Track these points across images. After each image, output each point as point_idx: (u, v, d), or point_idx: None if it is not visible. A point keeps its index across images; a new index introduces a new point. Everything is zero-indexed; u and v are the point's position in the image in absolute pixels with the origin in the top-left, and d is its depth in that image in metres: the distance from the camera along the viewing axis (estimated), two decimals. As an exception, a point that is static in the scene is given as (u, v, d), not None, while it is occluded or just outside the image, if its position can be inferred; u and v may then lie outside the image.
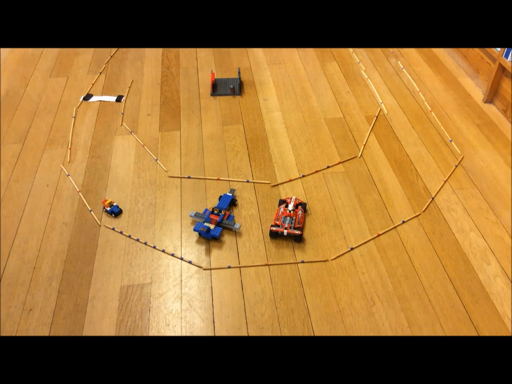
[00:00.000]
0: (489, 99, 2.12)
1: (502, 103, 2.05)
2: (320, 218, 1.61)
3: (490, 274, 1.43)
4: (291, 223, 1.54)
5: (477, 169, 1.78)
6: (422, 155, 1.85)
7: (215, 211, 1.59)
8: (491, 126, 1.99)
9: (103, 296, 1.38)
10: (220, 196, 1.65)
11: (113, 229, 1.57)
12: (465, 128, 1.97)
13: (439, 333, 1.28)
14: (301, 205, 1.61)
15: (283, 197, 1.67)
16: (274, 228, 1.52)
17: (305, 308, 1.35)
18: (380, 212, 1.62)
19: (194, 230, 1.53)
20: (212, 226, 1.54)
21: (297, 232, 1.52)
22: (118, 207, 1.61)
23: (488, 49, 2.09)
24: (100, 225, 1.59)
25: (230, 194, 1.65)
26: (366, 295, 1.38)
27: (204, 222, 1.56)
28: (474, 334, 1.28)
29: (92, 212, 1.63)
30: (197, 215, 1.58)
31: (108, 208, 1.60)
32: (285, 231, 1.52)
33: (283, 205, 1.60)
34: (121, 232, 1.56)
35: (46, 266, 1.46)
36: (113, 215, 1.60)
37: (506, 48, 1.95)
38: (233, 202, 1.65)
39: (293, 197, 1.62)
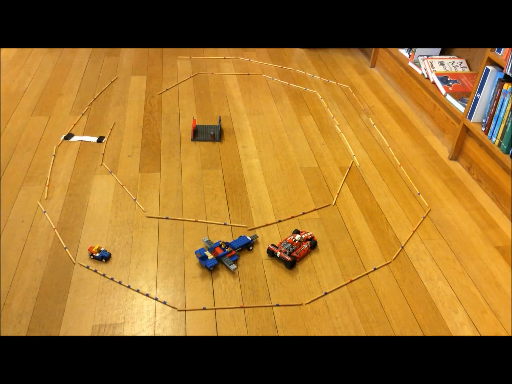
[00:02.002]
0: (454, 157, 2.26)
1: (466, 160, 2.20)
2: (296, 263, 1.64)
3: (457, 322, 1.48)
4: (289, 250, 1.61)
5: (444, 221, 1.87)
6: (392, 206, 1.93)
7: (222, 246, 1.62)
8: (456, 182, 2.11)
9: (74, 335, 1.35)
10: (240, 236, 1.69)
11: (88, 267, 1.56)
12: (432, 182, 2.09)
13: (410, 379, 1.31)
14: (310, 241, 1.68)
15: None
16: (271, 247, 1.64)
17: (279, 352, 1.35)
18: (352, 259, 1.67)
19: (195, 252, 1.61)
20: (210, 257, 1.58)
21: (288, 258, 1.58)
22: (106, 251, 1.59)
23: (453, 111, 2.25)
24: (74, 263, 1.58)
25: (249, 238, 1.67)
26: (339, 339, 1.40)
27: (207, 250, 1.60)
28: None
29: (67, 249, 1.62)
30: (208, 242, 1.65)
31: (97, 254, 1.57)
32: (278, 253, 1.61)
33: (294, 235, 1.69)
34: (95, 271, 1.55)
35: (17, 302, 1.43)
36: (103, 260, 1.57)
37: (469, 110, 2.11)
38: (247, 246, 1.66)
39: (309, 232, 1.72)
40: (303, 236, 1.68)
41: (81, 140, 2.19)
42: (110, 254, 1.59)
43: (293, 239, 1.66)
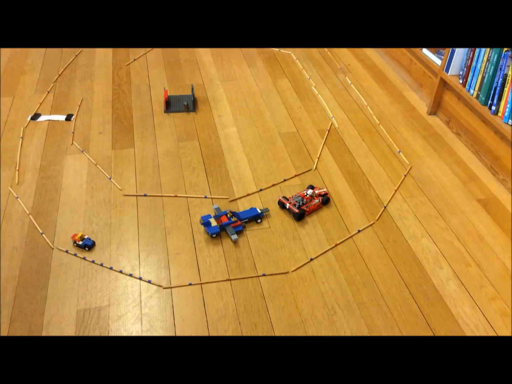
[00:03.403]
0: (433, 111, 2.23)
1: (445, 114, 2.17)
2: (279, 231, 1.62)
3: (443, 277, 1.49)
4: (298, 203, 1.63)
5: (425, 178, 1.87)
6: (373, 166, 1.91)
7: (229, 215, 1.61)
8: (435, 137, 2.09)
9: (59, 322, 1.32)
10: (250, 208, 1.67)
11: (67, 251, 1.52)
12: (412, 139, 2.07)
13: (399, 337, 1.32)
14: (323, 197, 1.70)
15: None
16: (282, 199, 1.67)
17: (268, 321, 1.35)
18: (336, 223, 1.66)
19: (201, 217, 1.61)
20: (213, 224, 1.57)
21: (295, 210, 1.61)
22: (90, 239, 1.54)
23: (430, 64, 2.21)
24: (52, 248, 1.53)
25: (259, 211, 1.64)
26: (327, 304, 1.40)
27: (213, 216, 1.60)
28: (430, 336, 1.33)
29: (43, 234, 1.57)
30: (217, 209, 1.64)
31: (80, 242, 1.51)
32: (287, 205, 1.65)
33: (308, 190, 1.72)
34: (75, 254, 1.51)
35: (-5, 293, 1.39)
36: (86, 248, 1.52)
37: (446, 63, 2.07)
38: (255, 218, 1.64)
39: (323, 188, 1.75)
40: (317, 191, 1.70)
41: (49, 120, 2.09)
42: (94, 242, 1.54)
43: (305, 194, 1.69)
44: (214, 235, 1.57)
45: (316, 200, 1.68)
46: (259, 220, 1.65)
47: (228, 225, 1.59)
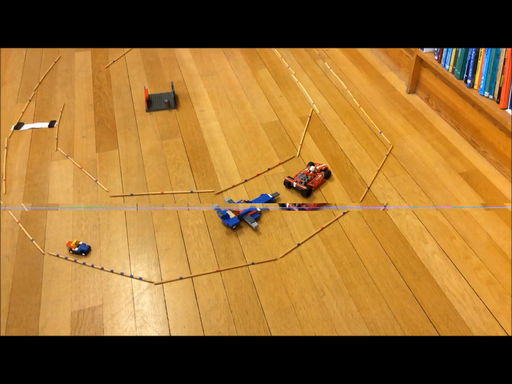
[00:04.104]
0: (412, 90, 2.25)
1: (424, 92, 2.19)
2: (266, 219, 1.65)
3: (428, 252, 1.52)
4: (304, 180, 1.69)
5: (407, 156, 1.89)
6: (355, 149, 1.93)
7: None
8: (416, 115, 2.11)
9: (54, 325, 1.35)
10: (261, 194, 1.70)
11: (58, 255, 1.54)
12: (392, 119, 2.09)
13: (387, 312, 1.35)
14: (324, 171, 1.76)
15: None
16: (287, 179, 1.73)
17: (259, 308, 1.38)
18: (322, 207, 1.69)
19: (217, 211, 1.61)
20: (232, 215, 1.59)
21: (303, 187, 1.68)
22: (85, 244, 1.55)
23: (405, 44, 2.22)
24: (43, 253, 1.55)
25: (270, 196, 1.68)
26: (316, 286, 1.43)
27: (229, 209, 1.62)
28: (418, 309, 1.36)
29: (34, 241, 1.59)
30: (230, 201, 1.66)
31: (76, 249, 1.53)
32: (294, 183, 1.70)
33: (309, 166, 1.78)
34: (66, 258, 1.53)
35: (-11, 302, 1.41)
36: (83, 254, 1.53)
37: (420, 41, 2.09)
38: (269, 203, 1.67)
39: (323, 164, 1.80)
40: (318, 167, 1.76)
41: (32, 128, 2.11)
42: (89, 247, 1.55)
43: (308, 171, 1.75)
44: (234, 226, 1.59)
45: (319, 175, 1.75)
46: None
47: (246, 214, 1.62)
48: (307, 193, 1.69)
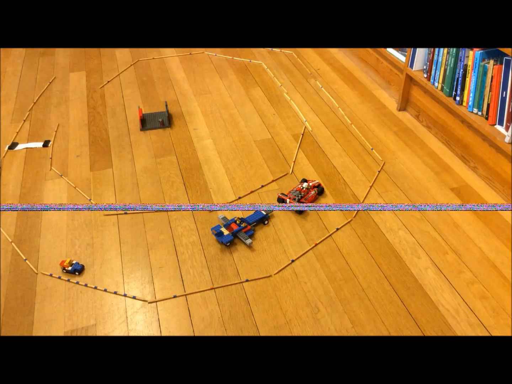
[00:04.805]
0: (402, 107, 2.29)
1: (414, 109, 2.23)
2: (260, 236, 1.65)
3: (421, 267, 1.53)
4: (297, 197, 1.71)
5: (398, 172, 1.91)
6: (347, 165, 1.96)
7: (237, 221, 1.65)
8: (406, 132, 2.14)
9: (46, 345, 1.34)
10: (255, 211, 1.71)
11: (51, 275, 1.53)
12: (383, 135, 2.12)
13: (381, 328, 1.35)
14: (318, 188, 1.79)
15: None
16: (281, 195, 1.75)
17: (253, 325, 1.37)
18: (315, 223, 1.69)
19: (211, 229, 1.63)
20: (226, 233, 1.61)
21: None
22: (78, 263, 1.55)
23: (395, 62, 2.27)
24: (36, 273, 1.54)
25: (264, 213, 1.69)
26: (310, 303, 1.43)
27: (222, 225, 1.64)
28: (413, 325, 1.36)
29: (27, 261, 1.58)
30: (224, 218, 1.69)
31: (70, 268, 1.52)
32: (288, 200, 1.72)
33: (302, 183, 1.80)
34: (59, 278, 1.52)
35: (-19, 323, 1.40)
36: (76, 273, 1.53)
37: (410, 59, 2.13)
38: (262, 220, 1.69)
39: (316, 180, 1.83)
40: (310, 184, 1.78)
41: (27, 148, 2.11)
42: (83, 266, 1.55)
43: (301, 187, 1.77)
44: (228, 243, 1.61)
45: (312, 192, 1.77)
46: (266, 222, 1.69)
47: (240, 231, 1.63)
48: (300, 210, 1.70)
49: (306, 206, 0.99)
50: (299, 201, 1.72)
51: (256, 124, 2.24)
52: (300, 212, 1.71)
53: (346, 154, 2.02)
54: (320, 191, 1.80)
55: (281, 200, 1.76)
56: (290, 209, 1.59)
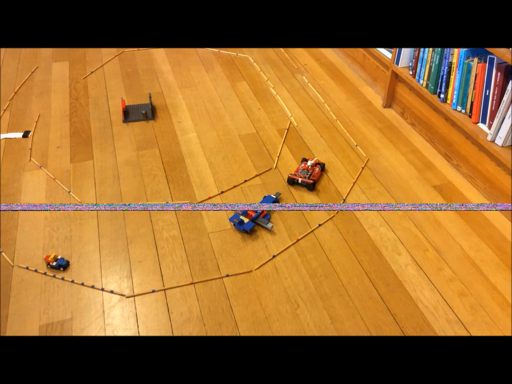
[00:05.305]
0: (388, 104, 2.29)
1: (399, 106, 2.23)
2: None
3: (401, 263, 1.53)
4: (307, 175, 1.77)
5: (382, 168, 1.91)
6: (331, 161, 1.95)
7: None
8: (391, 128, 2.14)
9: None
10: (264, 197, 1.73)
11: (27, 268, 1.50)
12: (368, 132, 2.11)
13: (360, 324, 1.35)
14: (319, 164, 1.86)
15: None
16: (291, 175, 1.80)
17: (232, 320, 1.36)
18: (297, 218, 1.68)
19: (230, 220, 1.64)
20: (246, 220, 1.61)
21: (309, 181, 1.76)
22: (63, 259, 1.51)
23: (381, 58, 2.26)
24: (12, 266, 1.51)
25: (274, 196, 1.72)
26: (290, 298, 1.42)
27: (240, 215, 1.63)
28: (392, 321, 1.36)
29: (3, 253, 1.55)
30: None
31: (54, 263, 1.49)
32: (300, 179, 1.78)
33: (305, 162, 1.86)
34: (35, 270, 1.49)
35: (-47, 316, 1.36)
36: (61, 268, 1.49)
37: (396, 56, 2.13)
38: (274, 203, 1.69)
39: (315, 158, 1.91)
40: (312, 161, 1.85)
41: (6, 138, 2.07)
42: (68, 262, 1.52)
43: (307, 165, 1.84)
44: (250, 231, 1.61)
45: (317, 169, 1.84)
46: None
47: (258, 217, 1.65)
48: (313, 186, 1.77)
49: (289, 207, 0.98)
50: (309, 178, 1.78)
51: (241, 118, 2.22)
52: (313, 188, 1.78)
53: (330, 150, 2.01)
54: (323, 166, 1.87)
55: (291, 180, 1.80)
56: (290, 209, 1.59)
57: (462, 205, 1.01)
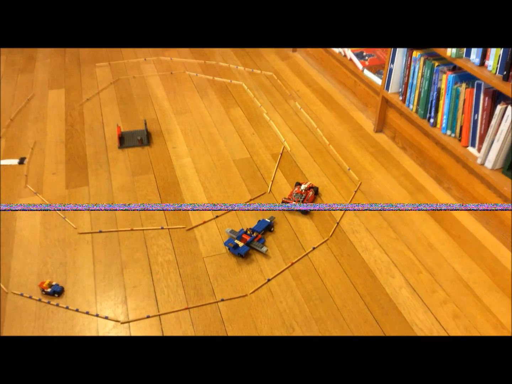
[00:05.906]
0: (379, 129, 2.33)
1: (390, 130, 2.27)
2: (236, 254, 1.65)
3: (395, 286, 1.54)
4: (301, 199, 1.80)
5: (374, 192, 1.94)
6: (325, 185, 1.97)
7: (248, 232, 1.66)
8: (383, 153, 2.18)
9: (13, 367, 1.29)
10: (259, 220, 1.74)
11: (22, 294, 1.49)
12: (360, 156, 2.15)
13: (356, 348, 1.35)
14: (313, 188, 1.88)
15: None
16: (285, 199, 1.83)
17: (227, 346, 1.35)
18: (292, 242, 1.70)
19: (224, 244, 1.65)
20: (241, 244, 1.61)
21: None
22: (58, 285, 1.51)
23: (372, 84, 2.32)
24: (7, 292, 1.50)
25: (268, 220, 1.73)
26: (285, 322, 1.42)
27: (235, 239, 1.63)
28: (387, 344, 1.36)
29: (-4, 280, 1.54)
30: (232, 232, 1.70)
31: (49, 290, 1.48)
32: (294, 203, 1.78)
33: (298, 186, 1.89)
34: (30, 297, 1.49)
35: None
36: (56, 295, 1.49)
37: (386, 82, 2.18)
38: (269, 228, 1.72)
39: (308, 182, 1.94)
40: (306, 185, 1.87)
41: (1, 164, 2.08)
42: (62, 288, 1.51)
43: (300, 189, 1.86)
44: (244, 255, 1.62)
45: (311, 193, 1.86)
46: (272, 229, 1.73)
47: (253, 241, 1.65)
48: (305, 211, 1.80)
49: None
50: (302, 202, 1.80)
51: (235, 143, 2.25)
52: (306, 212, 1.80)
53: (323, 174, 2.04)
54: (316, 190, 1.89)
55: (285, 204, 1.81)
56: (290, 209, 1.61)
57: (462, 205, 1.03)
